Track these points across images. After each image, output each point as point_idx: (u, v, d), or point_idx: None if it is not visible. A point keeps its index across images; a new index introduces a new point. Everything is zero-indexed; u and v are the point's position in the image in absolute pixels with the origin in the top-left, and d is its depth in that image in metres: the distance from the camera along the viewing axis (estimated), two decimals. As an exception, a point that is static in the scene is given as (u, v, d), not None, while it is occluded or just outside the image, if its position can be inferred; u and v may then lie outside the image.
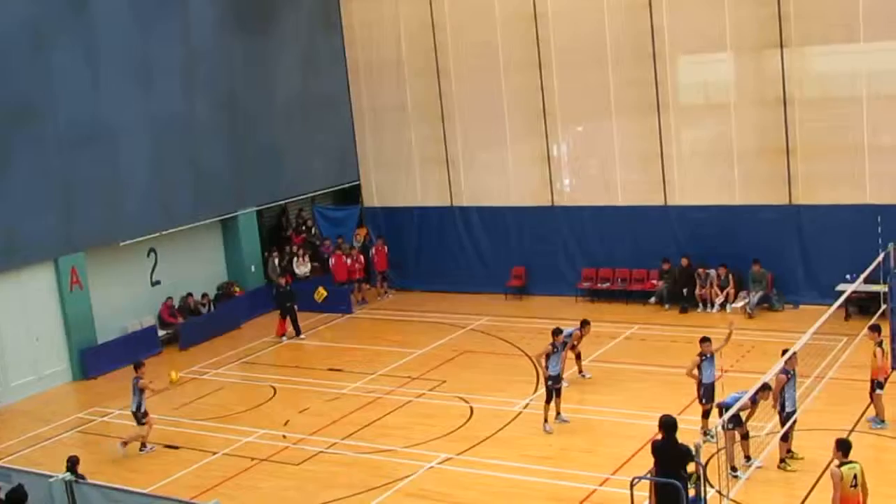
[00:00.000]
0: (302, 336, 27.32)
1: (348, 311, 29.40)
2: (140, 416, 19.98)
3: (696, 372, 18.06)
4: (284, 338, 27.26)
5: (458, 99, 30.13)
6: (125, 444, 19.89)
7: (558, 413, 19.49)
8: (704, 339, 18.25)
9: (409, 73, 30.82)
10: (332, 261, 30.80)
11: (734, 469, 16.18)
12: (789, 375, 16.57)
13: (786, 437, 16.71)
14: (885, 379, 18.03)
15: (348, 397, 22.15)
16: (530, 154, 29.32)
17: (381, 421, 20.57)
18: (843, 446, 13.21)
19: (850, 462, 13.00)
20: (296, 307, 27.60)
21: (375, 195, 32.33)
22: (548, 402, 19.28)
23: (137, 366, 20.31)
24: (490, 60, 29.29)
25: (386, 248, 31.27)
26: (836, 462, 13.11)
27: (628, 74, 27.48)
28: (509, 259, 29.84)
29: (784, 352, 16.69)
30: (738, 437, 16.43)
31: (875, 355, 17.90)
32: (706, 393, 18.05)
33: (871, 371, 18.01)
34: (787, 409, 16.55)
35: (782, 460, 16.76)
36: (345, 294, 29.86)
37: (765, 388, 16.26)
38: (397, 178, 31.72)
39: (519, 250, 29.76)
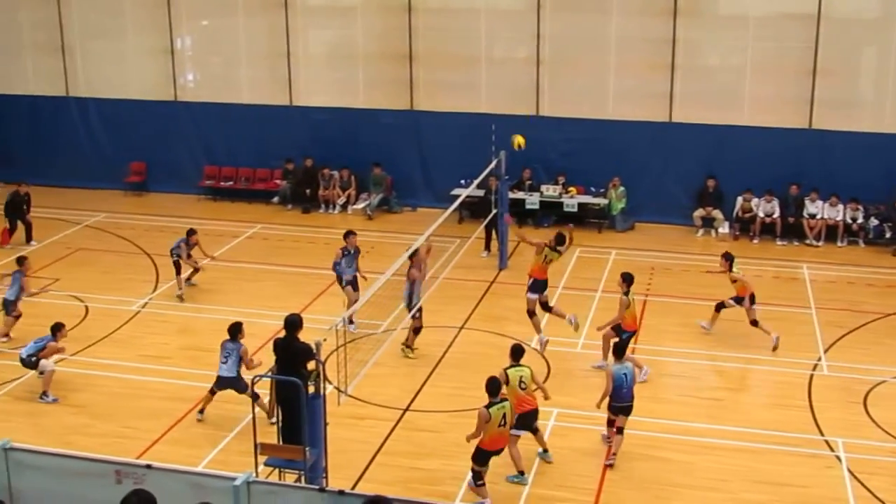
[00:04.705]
0: None
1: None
2: None
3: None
4: None
5: (74, -19, 28.28)
6: None
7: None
8: (349, 233, 18.96)
9: (19, -53, 28.49)
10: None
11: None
12: (422, 274, 17.59)
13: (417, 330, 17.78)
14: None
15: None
16: (152, 46, 28.16)
17: (-14, 324, 19.28)
18: (492, 386, 12.86)
19: (501, 401, 12.88)
20: None
21: (-22, 81, 29.78)
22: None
23: None
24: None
25: (-12, 138, 29.05)
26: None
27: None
28: (129, 154, 28.66)
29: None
30: None
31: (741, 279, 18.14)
32: (350, 285, 18.82)
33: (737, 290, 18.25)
34: (416, 303, 17.37)
35: (408, 346, 17.74)
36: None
37: None
38: (5, 64, 29.36)
39: (139, 145, 28.62)
